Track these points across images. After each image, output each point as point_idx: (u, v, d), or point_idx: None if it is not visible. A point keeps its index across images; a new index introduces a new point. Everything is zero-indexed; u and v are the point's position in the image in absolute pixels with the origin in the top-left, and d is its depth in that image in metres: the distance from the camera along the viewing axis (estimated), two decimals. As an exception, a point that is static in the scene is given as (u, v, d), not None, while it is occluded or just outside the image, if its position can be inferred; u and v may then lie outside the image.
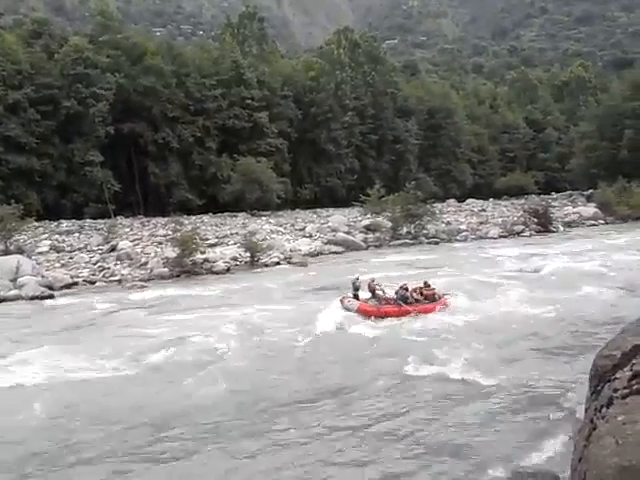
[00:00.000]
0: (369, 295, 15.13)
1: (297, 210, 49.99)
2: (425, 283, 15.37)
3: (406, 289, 14.73)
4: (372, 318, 14.01)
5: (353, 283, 15.46)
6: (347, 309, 14.64)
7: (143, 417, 8.16)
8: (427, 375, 9.37)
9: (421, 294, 14.90)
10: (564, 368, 9.11)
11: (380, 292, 15.03)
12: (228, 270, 25.07)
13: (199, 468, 6.59)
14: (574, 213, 44.02)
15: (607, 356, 3.16)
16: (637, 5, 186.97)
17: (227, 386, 9.32)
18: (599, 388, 3.00)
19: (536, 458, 6.14)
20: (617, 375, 2.86)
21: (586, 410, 3.19)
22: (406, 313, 14.05)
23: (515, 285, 17.30)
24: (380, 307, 14.44)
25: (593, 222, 41.68)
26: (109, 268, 24.48)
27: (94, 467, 6.72)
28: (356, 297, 15.08)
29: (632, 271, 17.42)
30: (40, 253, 27.08)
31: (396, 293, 14.71)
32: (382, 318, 13.93)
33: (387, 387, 8.97)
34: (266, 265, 26.05)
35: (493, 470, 6.03)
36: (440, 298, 14.96)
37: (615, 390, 2.75)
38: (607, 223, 41.74)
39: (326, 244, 31.27)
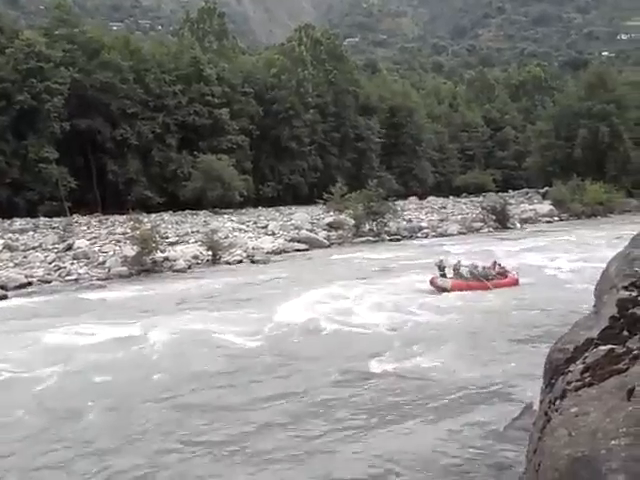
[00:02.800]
0: (452, 274, 16.96)
1: (260, 208, 49.74)
2: (494, 262, 17.35)
3: (484, 267, 16.88)
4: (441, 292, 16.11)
5: (438, 266, 17.14)
6: (440, 287, 16.39)
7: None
8: (388, 371, 9.45)
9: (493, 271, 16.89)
10: (523, 362, 9.30)
11: (462, 271, 16.92)
12: (189, 268, 24.75)
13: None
14: (530, 210, 45.09)
15: (561, 350, 3.24)
16: (592, 7, 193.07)
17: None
18: (553, 381, 3.07)
19: (494, 450, 6.26)
20: (570, 368, 2.93)
21: (541, 403, 3.27)
22: (488, 288, 16.01)
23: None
24: (470, 283, 16.30)
25: (548, 219, 42.78)
26: (65, 267, 23.86)
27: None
28: (444, 276, 16.86)
29: (585, 266, 17.94)
30: (-8, 252, 26.22)
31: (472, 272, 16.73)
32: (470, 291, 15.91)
33: (353, 379, 9.02)
34: (228, 263, 25.83)
35: (451, 461, 6.12)
36: (510, 274, 16.96)
37: (568, 383, 2.82)
38: (562, 220, 42.89)
39: (289, 242, 31.18)
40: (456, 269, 16.95)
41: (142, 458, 6.73)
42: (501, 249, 25.45)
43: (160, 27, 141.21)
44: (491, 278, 16.38)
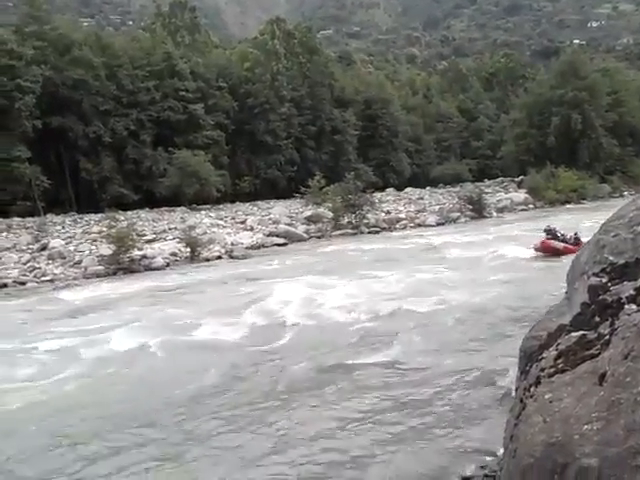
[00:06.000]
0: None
1: (237, 203, 49.49)
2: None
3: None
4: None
5: (547, 230, 18.67)
6: (554, 249, 17.61)
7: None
8: (372, 362, 9.50)
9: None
10: (502, 350, 9.40)
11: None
12: (167, 266, 24.61)
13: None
14: (506, 199, 45.54)
15: (534, 337, 3.29)
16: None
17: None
18: (527, 368, 3.12)
19: (476, 437, 6.35)
20: (543, 355, 2.98)
21: (516, 390, 3.32)
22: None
23: (457, 271, 17.75)
24: (574, 247, 17.55)
25: (524, 207, 43.32)
26: (40, 268, 23.57)
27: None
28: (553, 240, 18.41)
29: (560, 254, 18.22)
30: (-35, 255, 25.74)
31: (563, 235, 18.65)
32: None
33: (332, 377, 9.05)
34: (207, 259, 25.74)
35: (432, 449, 6.20)
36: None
37: (542, 369, 2.87)
38: (536, 208, 43.48)
39: (268, 236, 31.14)
40: (555, 234, 18.49)
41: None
42: (481, 237, 25.80)
43: (131, 22, 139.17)
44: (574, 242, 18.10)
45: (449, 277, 16.61)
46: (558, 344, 2.93)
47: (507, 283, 15.17)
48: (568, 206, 43.82)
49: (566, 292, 3.56)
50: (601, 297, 2.94)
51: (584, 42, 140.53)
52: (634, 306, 2.70)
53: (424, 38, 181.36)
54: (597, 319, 2.85)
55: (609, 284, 2.99)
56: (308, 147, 61.59)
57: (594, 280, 3.10)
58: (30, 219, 35.98)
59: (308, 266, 21.21)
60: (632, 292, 2.78)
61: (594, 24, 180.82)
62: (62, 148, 45.71)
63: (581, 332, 2.88)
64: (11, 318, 15.51)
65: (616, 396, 2.29)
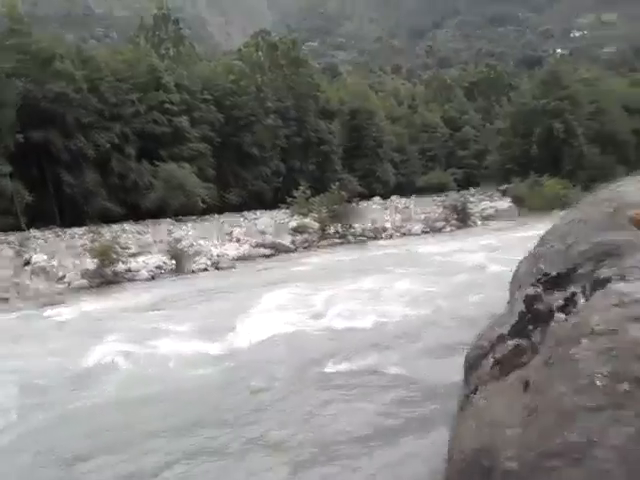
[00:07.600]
0: None
1: (224, 214, 49.55)
2: None
3: None
4: None
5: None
6: None
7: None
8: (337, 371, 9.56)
9: None
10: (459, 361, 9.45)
11: None
12: (153, 278, 24.47)
13: None
14: (491, 207, 45.88)
15: (478, 346, 3.41)
16: (546, 5, 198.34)
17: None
18: (469, 377, 3.24)
19: (428, 443, 6.38)
20: (482, 363, 3.10)
21: (459, 398, 3.43)
22: None
23: (432, 280, 17.86)
24: None
25: (508, 215, 43.57)
26: (23, 283, 23.41)
27: None
28: None
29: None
30: (-54, 271, 25.52)
31: None
32: None
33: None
34: (193, 272, 25.60)
35: (386, 456, 6.24)
36: None
37: (479, 378, 2.98)
38: (521, 215, 43.83)
39: (254, 247, 31.06)
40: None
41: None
42: (467, 245, 25.99)
43: (115, 34, 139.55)
44: None
45: (442, 284, 16.59)
46: (495, 353, 3.05)
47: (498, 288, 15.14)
48: (551, 214, 44.19)
49: (508, 302, 3.69)
50: (535, 307, 3.07)
51: (567, 52, 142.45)
52: (563, 315, 2.83)
53: (409, 49, 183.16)
54: (530, 328, 2.97)
55: (543, 294, 3.12)
56: (294, 158, 61.94)
57: (530, 290, 3.24)
58: (12, 234, 35.76)
59: (293, 276, 21.20)
60: (562, 302, 2.91)
61: (577, 34, 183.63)
62: (44, 162, 45.59)
63: (516, 341, 3.00)
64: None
65: (535, 402, 2.40)
